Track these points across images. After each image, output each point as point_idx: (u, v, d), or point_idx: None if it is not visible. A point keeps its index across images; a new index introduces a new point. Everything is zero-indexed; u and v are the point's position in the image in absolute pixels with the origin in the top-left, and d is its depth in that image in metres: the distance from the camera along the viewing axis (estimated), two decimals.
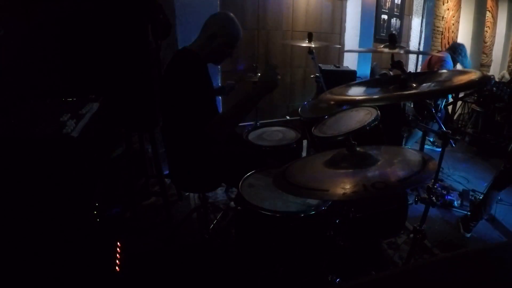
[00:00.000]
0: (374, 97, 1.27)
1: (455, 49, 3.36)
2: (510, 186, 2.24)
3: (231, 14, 1.64)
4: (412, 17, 5.16)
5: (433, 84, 1.22)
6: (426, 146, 1.67)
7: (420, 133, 2.87)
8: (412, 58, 5.23)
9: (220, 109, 2.91)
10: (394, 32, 4.70)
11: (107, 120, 1.62)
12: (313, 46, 2.37)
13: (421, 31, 5.06)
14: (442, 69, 3.14)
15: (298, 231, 1.30)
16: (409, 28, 5.21)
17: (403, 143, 3.10)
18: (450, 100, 4.18)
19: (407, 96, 1.24)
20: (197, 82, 1.54)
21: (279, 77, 1.49)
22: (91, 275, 1.26)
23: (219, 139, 1.53)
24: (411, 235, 1.57)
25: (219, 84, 3.10)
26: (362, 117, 1.78)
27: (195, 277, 1.77)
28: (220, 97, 3.10)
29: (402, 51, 1.47)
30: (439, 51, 4.43)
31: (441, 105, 3.37)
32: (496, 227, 2.40)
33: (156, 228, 2.22)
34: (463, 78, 1.15)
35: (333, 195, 0.92)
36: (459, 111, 5.11)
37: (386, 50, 1.47)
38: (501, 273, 0.55)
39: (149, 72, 1.94)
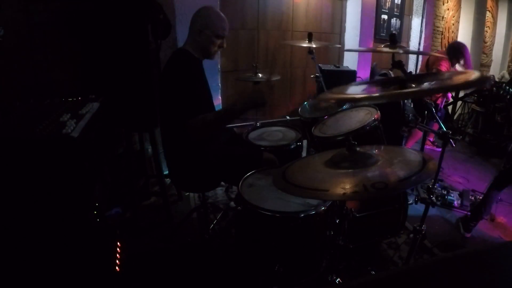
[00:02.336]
0: (373, 95, 1.27)
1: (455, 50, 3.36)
2: (510, 186, 2.24)
3: (213, 7, 1.67)
4: (412, 17, 5.16)
5: (432, 83, 1.22)
6: (426, 146, 1.67)
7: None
8: (412, 58, 5.23)
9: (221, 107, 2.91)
10: (394, 32, 4.70)
11: (107, 120, 1.62)
12: (313, 46, 2.37)
13: (421, 31, 5.06)
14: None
15: (298, 231, 1.30)
16: (409, 28, 5.21)
17: (403, 143, 3.11)
18: (450, 100, 4.17)
19: (407, 94, 1.24)
20: (189, 80, 1.56)
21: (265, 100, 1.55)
22: (91, 275, 1.26)
23: (195, 138, 1.54)
24: (411, 235, 1.57)
25: (219, 85, 3.10)
26: (362, 117, 1.78)
27: (195, 277, 1.77)
28: (220, 96, 3.11)
29: (401, 51, 1.47)
30: (437, 51, 4.43)
31: (441, 104, 3.37)
32: (496, 227, 2.40)
33: (156, 228, 2.22)
34: (462, 78, 1.15)
35: (333, 195, 0.93)
36: (459, 111, 5.10)
37: (386, 49, 1.47)
38: (501, 273, 0.55)
39: (149, 72, 1.94)
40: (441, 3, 5.44)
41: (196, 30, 1.62)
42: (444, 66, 3.19)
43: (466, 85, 1.16)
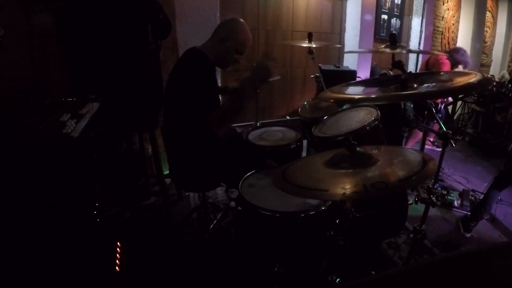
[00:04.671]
0: (373, 96, 1.27)
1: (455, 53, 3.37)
2: (510, 186, 2.24)
3: (243, 21, 1.65)
4: (412, 17, 5.16)
5: (432, 85, 1.22)
6: (426, 146, 1.67)
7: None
8: (412, 58, 5.24)
9: None
10: (394, 32, 4.70)
11: (107, 120, 1.62)
12: (313, 46, 2.37)
13: (421, 31, 5.06)
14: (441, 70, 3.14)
15: (298, 231, 1.30)
16: (409, 28, 5.21)
17: (403, 143, 3.10)
18: (450, 100, 4.17)
19: (407, 96, 1.24)
20: (206, 81, 1.55)
21: (272, 71, 1.54)
22: (91, 275, 1.26)
23: (217, 133, 1.54)
24: (411, 235, 1.57)
25: (219, 85, 3.10)
26: (362, 117, 1.78)
27: (195, 277, 1.77)
28: (220, 98, 3.11)
29: (404, 51, 1.47)
30: (438, 51, 4.43)
31: (441, 106, 3.37)
32: (496, 227, 2.40)
33: (156, 228, 2.22)
34: (463, 80, 1.15)
35: (333, 195, 0.92)
36: (459, 111, 5.11)
37: (388, 50, 1.47)
38: (501, 273, 0.55)
39: (149, 72, 1.94)
40: (441, 3, 5.44)
41: (218, 37, 1.61)
42: (446, 68, 3.19)
43: (468, 88, 1.16)
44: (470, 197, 2.70)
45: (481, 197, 2.47)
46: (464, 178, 3.18)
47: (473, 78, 1.12)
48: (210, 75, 1.58)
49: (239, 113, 1.52)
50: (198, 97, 1.50)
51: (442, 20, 5.58)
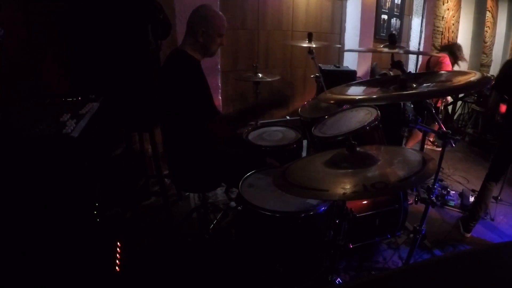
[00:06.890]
0: (373, 96, 1.27)
1: (451, 50, 3.37)
2: (510, 186, 2.23)
3: (210, 6, 1.67)
4: (412, 17, 5.16)
5: (432, 85, 1.22)
6: (426, 146, 1.67)
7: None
8: (412, 58, 5.23)
9: (221, 107, 2.91)
10: (394, 32, 4.70)
11: (107, 120, 1.62)
12: (313, 46, 2.37)
13: (421, 31, 5.06)
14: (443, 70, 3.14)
15: (298, 231, 1.30)
16: (409, 28, 5.21)
17: (403, 143, 3.11)
18: (450, 100, 4.18)
19: (407, 96, 1.24)
20: (192, 82, 1.56)
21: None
22: (91, 275, 1.26)
23: (216, 138, 1.54)
24: (411, 235, 1.57)
25: (219, 85, 3.10)
26: (362, 117, 1.79)
27: (195, 277, 1.77)
28: (220, 97, 3.11)
29: (401, 51, 1.47)
30: (437, 52, 4.43)
31: (441, 106, 3.37)
32: (496, 227, 2.40)
33: (156, 228, 2.22)
34: (462, 79, 1.15)
35: (333, 195, 0.93)
36: (459, 111, 5.10)
37: (386, 50, 1.47)
38: (501, 273, 0.55)
39: (149, 72, 1.94)
40: (441, 3, 5.44)
41: (197, 30, 1.61)
42: (449, 68, 3.20)
43: (467, 86, 1.16)
44: (470, 197, 2.70)
45: None
46: (464, 178, 3.18)
47: (473, 77, 1.12)
48: (194, 76, 1.59)
49: (244, 125, 1.53)
50: (187, 99, 1.52)
51: (442, 20, 5.58)
